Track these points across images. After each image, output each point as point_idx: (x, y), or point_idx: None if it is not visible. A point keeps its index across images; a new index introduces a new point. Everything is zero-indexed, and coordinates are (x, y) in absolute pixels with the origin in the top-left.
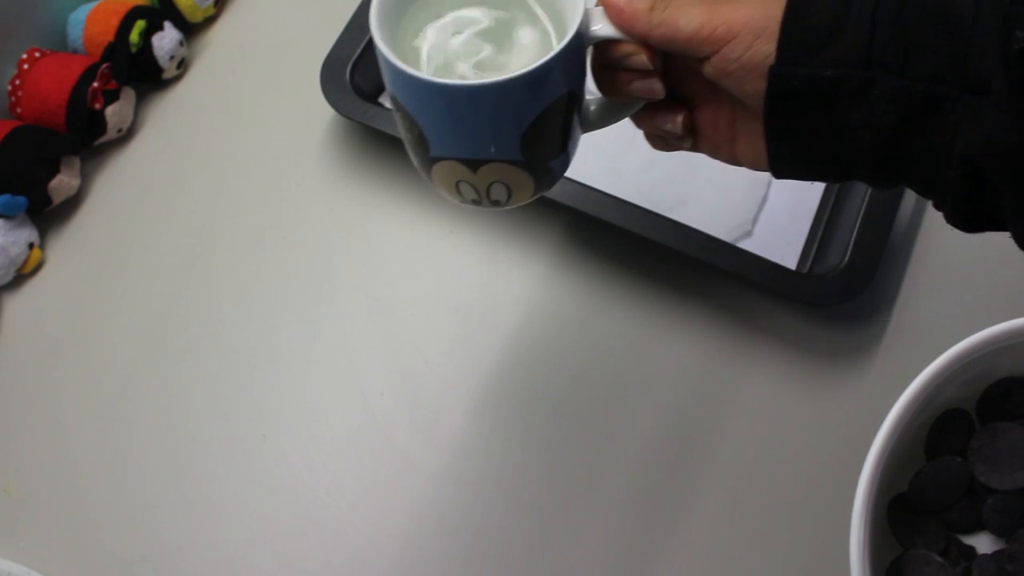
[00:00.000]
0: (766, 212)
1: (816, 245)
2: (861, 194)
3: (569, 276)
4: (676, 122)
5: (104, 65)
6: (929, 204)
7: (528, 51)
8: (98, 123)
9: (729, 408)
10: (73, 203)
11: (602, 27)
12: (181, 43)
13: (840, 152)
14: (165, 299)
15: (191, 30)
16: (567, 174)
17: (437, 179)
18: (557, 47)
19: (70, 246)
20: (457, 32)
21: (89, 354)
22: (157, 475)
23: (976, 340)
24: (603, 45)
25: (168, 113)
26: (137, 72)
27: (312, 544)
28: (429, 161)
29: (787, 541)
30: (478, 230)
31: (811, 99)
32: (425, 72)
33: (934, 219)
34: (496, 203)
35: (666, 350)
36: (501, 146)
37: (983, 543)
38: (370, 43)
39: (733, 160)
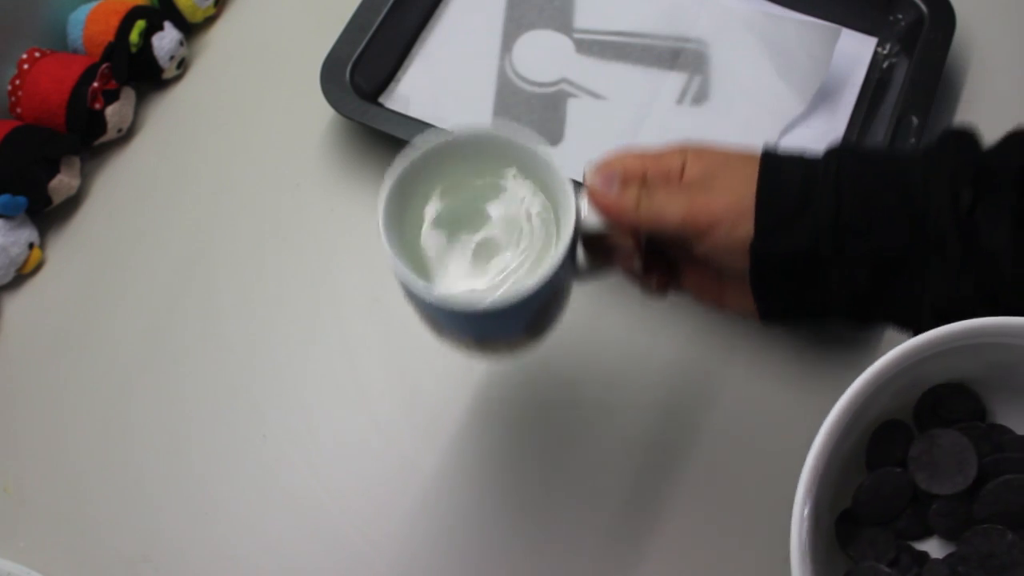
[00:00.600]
0: None
1: None
2: None
3: None
4: (652, 284)
5: (104, 65)
6: None
7: (524, 236)
8: (98, 123)
9: (727, 408)
10: (73, 203)
11: (596, 222)
12: (181, 43)
13: (822, 305)
14: (165, 299)
15: (191, 30)
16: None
17: (443, 340)
18: (556, 256)
19: (70, 246)
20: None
21: (89, 354)
22: (157, 475)
23: (900, 352)
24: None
25: (168, 113)
26: (137, 72)
27: (312, 544)
28: (438, 333)
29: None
30: None
31: (791, 267)
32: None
33: None
34: (496, 356)
35: (664, 349)
36: (506, 333)
37: (934, 548)
38: (370, 43)
39: (720, 307)
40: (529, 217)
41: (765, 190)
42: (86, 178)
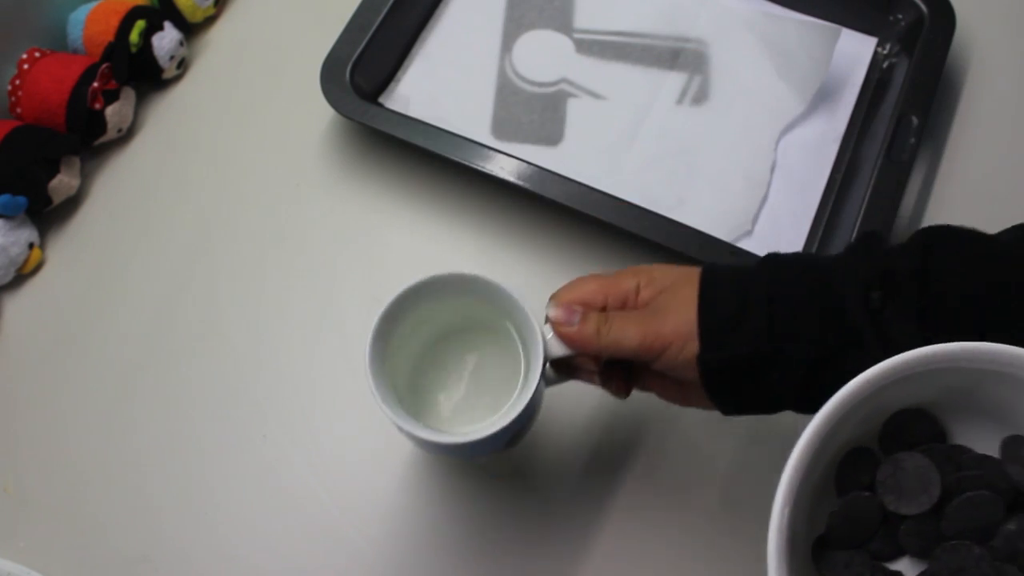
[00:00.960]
0: (766, 212)
1: (816, 245)
2: (861, 195)
3: (568, 276)
4: (612, 389)
5: (104, 65)
6: (929, 205)
7: (498, 365)
8: (98, 123)
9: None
10: (73, 203)
11: (560, 350)
12: (181, 43)
13: (771, 397)
14: (165, 299)
15: (191, 30)
16: (567, 173)
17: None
18: (530, 388)
19: (70, 246)
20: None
21: (89, 354)
22: (157, 475)
23: (862, 380)
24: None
25: (168, 113)
26: (137, 72)
27: (312, 544)
28: (426, 451)
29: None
30: (478, 230)
31: (737, 371)
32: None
33: (935, 220)
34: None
35: None
36: (489, 451)
37: (907, 567)
38: (370, 43)
39: (686, 405)
40: (502, 348)
41: (705, 309)
42: (86, 178)
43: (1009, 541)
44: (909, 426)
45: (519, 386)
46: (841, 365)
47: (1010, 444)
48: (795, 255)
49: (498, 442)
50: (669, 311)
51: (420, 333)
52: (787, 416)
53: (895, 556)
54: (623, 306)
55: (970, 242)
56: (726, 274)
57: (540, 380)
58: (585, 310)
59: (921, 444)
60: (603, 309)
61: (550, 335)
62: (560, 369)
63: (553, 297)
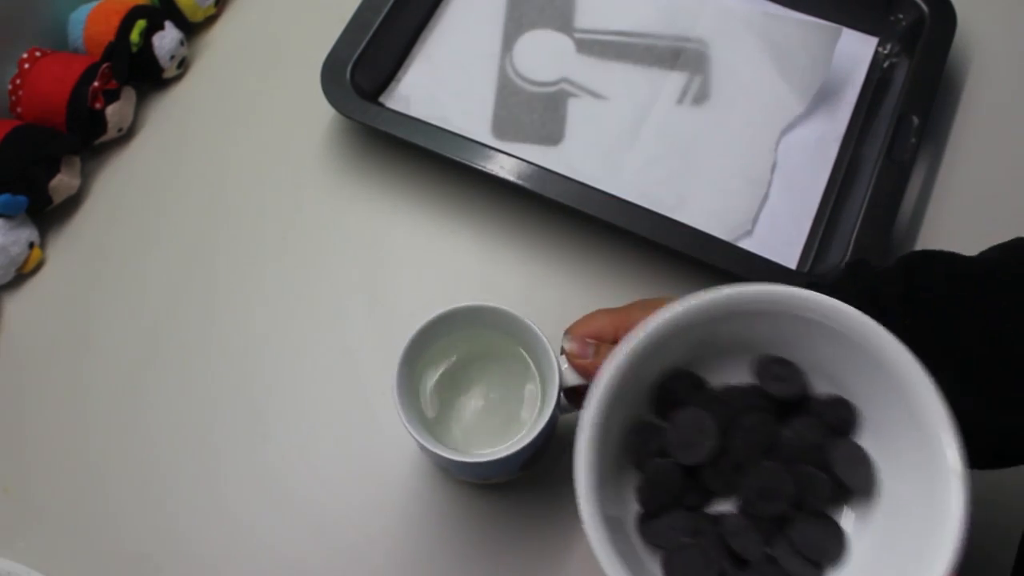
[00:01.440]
0: (766, 212)
1: (816, 245)
2: (862, 194)
3: (569, 276)
4: None
5: (104, 65)
6: (929, 205)
7: (517, 391)
8: (98, 123)
9: None
10: (73, 203)
11: (575, 379)
12: (182, 43)
13: None
14: (165, 299)
15: (192, 30)
16: (567, 173)
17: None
18: (545, 415)
19: (70, 246)
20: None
21: (89, 354)
22: (157, 475)
23: (619, 361)
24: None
25: (168, 113)
26: (137, 72)
27: (312, 544)
28: (444, 473)
29: None
30: (478, 230)
31: None
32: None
33: (935, 220)
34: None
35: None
36: (504, 473)
37: (724, 505)
38: (371, 43)
39: None
40: (516, 375)
41: None
42: (86, 178)
43: (791, 446)
44: (673, 387)
45: (536, 411)
46: None
47: (759, 366)
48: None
49: (513, 465)
50: None
51: (442, 358)
52: None
53: (708, 501)
54: None
55: (950, 264)
56: None
57: (555, 407)
58: (598, 343)
59: (689, 398)
60: (614, 341)
61: (565, 366)
62: (572, 399)
63: (568, 331)
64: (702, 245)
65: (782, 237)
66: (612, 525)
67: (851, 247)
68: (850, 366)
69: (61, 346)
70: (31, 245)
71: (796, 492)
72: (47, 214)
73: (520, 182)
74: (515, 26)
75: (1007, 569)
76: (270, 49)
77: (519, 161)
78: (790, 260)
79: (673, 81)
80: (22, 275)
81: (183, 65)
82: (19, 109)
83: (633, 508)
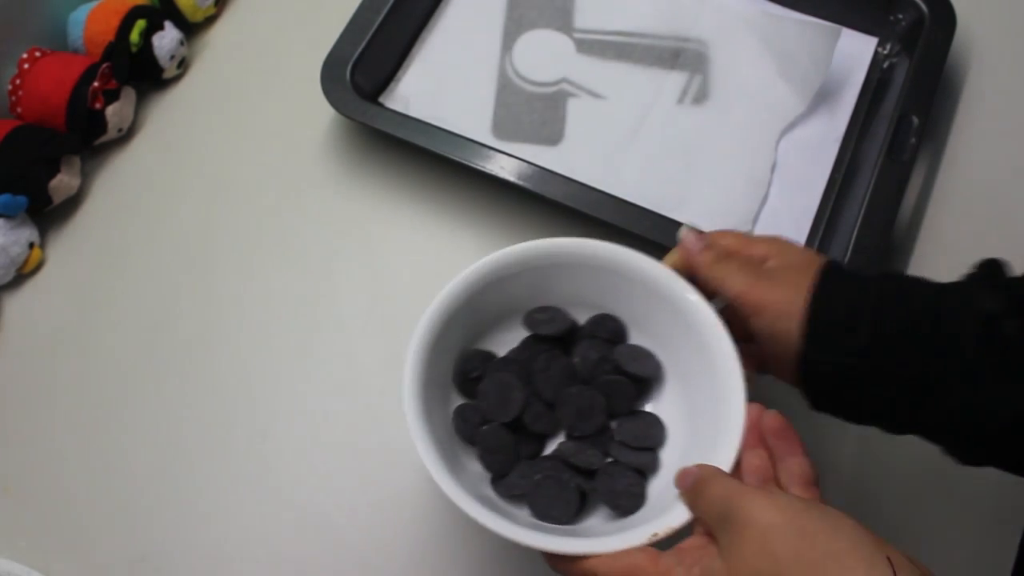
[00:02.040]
0: (766, 212)
1: (816, 245)
2: (861, 195)
3: None
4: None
5: (104, 65)
6: (929, 205)
7: None
8: (98, 123)
9: None
10: (73, 203)
11: (672, 259)
12: (181, 43)
13: (862, 409)
14: (165, 299)
15: (191, 30)
16: (567, 173)
17: None
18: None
19: (70, 246)
20: None
21: (89, 354)
22: (157, 475)
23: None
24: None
25: (168, 113)
26: (137, 72)
27: (312, 544)
28: None
29: None
30: (478, 230)
31: (836, 379)
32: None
33: (935, 220)
34: None
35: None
36: None
37: (554, 442)
38: (371, 43)
39: (761, 372)
40: None
41: (817, 304)
42: (86, 178)
43: (584, 368)
44: (468, 367)
45: None
46: (945, 398)
47: (527, 319)
48: (916, 279)
49: None
50: (781, 283)
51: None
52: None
53: (543, 445)
54: (745, 263)
55: None
56: (845, 279)
57: None
58: (712, 243)
59: (485, 369)
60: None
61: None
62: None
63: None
64: None
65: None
66: (470, 488)
67: (851, 247)
68: (657, 314)
69: (61, 346)
70: (31, 245)
71: (605, 400)
72: (47, 214)
73: (520, 182)
74: (515, 26)
75: (1007, 570)
76: (270, 49)
77: (519, 161)
78: None
79: (673, 81)
80: (22, 275)
81: (183, 65)
82: (19, 109)
83: (487, 478)
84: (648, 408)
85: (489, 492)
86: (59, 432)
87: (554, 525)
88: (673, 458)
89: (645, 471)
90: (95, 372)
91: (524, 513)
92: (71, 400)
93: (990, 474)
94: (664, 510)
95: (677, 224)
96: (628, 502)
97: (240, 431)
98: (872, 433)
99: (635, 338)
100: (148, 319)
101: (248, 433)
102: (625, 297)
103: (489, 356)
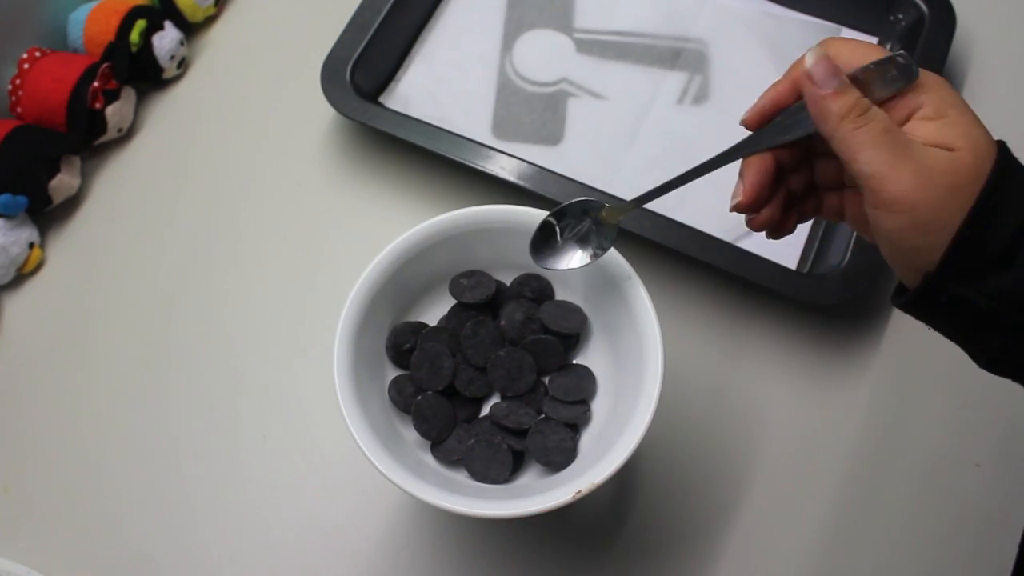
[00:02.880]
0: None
1: (816, 245)
2: None
3: None
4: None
5: (104, 65)
6: None
7: None
8: (98, 123)
9: (727, 408)
10: (73, 203)
11: (791, 97)
12: (181, 43)
13: (978, 345)
14: (165, 299)
15: (191, 30)
16: (567, 173)
17: None
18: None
19: (70, 246)
20: None
21: (89, 354)
22: (157, 474)
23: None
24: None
25: (168, 113)
26: (137, 72)
27: (312, 543)
28: None
29: (786, 539)
30: None
31: (956, 313)
32: None
33: None
34: None
35: (665, 349)
36: None
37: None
38: (371, 43)
39: (863, 233)
40: None
41: (972, 226)
42: (86, 178)
43: (512, 329)
44: (400, 340)
45: None
46: None
47: (452, 285)
48: None
49: None
50: (933, 172)
51: None
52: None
53: (479, 408)
54: (887, 119)
55: None
56: (1015, 200)
57: None
58: (847, 84)
59: (415, 340)
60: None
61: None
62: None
63: (827, 45)
64: (702, 245)
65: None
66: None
67: (851, 247)
68: (590, 280)
69: (61, 346)
70: (31, 245)
71: (534, 359)
72: (47, 214)
73: (520, 182)
74: (515, 26)
75: (1007, 570)
76: (270, 49)
77: (519, 161)
78: (790, 260)
79: (673, 81)
80: (22, 275)
81: (183, 65)
82: (19, 109)
83: (426, 445)
84: (578, 361)
85: (428, 459)
86: (59, 432)
87: (492, 485)
88: (604, 407)
89: (578, 424)
90: (95, 372)
91: (463, 476)
92: (71, 400)
93: (990, 474)
94: (596, 461)
95: (677, 224)
96: (560, 457)
97: (240, 431)
98: (872, 433)
99: (561, 294)
100: (148, 319)
101: (248, 433)
102: None
103: (421, 327)
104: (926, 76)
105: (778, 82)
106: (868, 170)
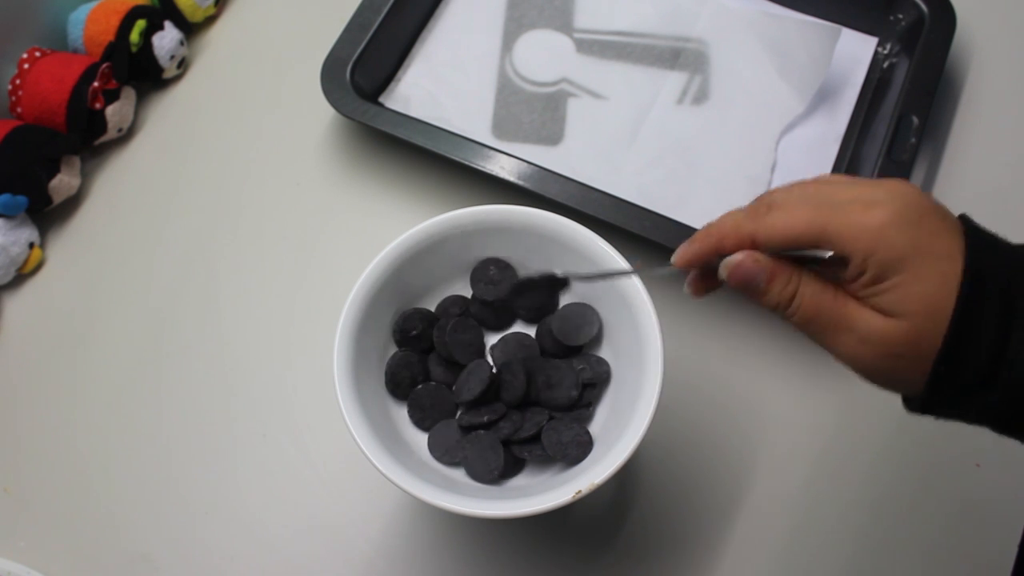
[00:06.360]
0: None
1: None
2: None
3: None
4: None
5: (104, 65)
6: None
7: None
8: (98, 123)
9: (727, 407)
10: (73, 203)
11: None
12: (181, 43)
13: (979, 418)
14: (165, 298)
15: (191, 30)
16: (567, 173)
17: None
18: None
19: (70, 246)
20: None
21: (89, 354)
22: (157, 474)
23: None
24: None
25: (168, 113)
26: (137, 72)
27: (312, 543)
28: None
29: (786, 540)
30: None
31: (951, 416)
32: None
33: None
34: None
35: (665, 349)
36: None
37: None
38: (371, 43)
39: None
40: None
41: (946, 361)
42: (86, 178)
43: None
44: (408, 326)
45: None
46: None
47: (476, 269)
48: None
49: None
50: (875, 342)
51: None
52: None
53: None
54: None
55: None
56: (997, 271)
57: None
58: (776, 272)
59: (419, 329)
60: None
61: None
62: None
63: (752, 233)
64: None
65: None
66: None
67: None
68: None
69: (61, 346)
70: (31, 245)
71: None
72: (47, 214)
73: (520, 182)
74: (515, 26)
75: (1007, 570)
76: (270, 49)
77: (519, 161)
78: None
79: (673, 81)
80: (22, 275)
81: (183, 65)
82: (19, 109)
83: (422, 441)
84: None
85: (428, 459)
86: (59, 432)
87: (491, 486)
88: (604, 407)
89: (581, 422)
90: (95, 372)
91: (462, 476)
92: (71, 400)
93: (990, 474)
94: (596, 461)
95: (677, 224)
96: (577, 451)
97: (241, 431)
98: (872, 433)
99: (566, 298)
100: (148, 319)
101: (249, 433)
102: (550, 259)
103: (429, 314)
104: (875, 221)
105: (704, 241)
106: (813, 339)
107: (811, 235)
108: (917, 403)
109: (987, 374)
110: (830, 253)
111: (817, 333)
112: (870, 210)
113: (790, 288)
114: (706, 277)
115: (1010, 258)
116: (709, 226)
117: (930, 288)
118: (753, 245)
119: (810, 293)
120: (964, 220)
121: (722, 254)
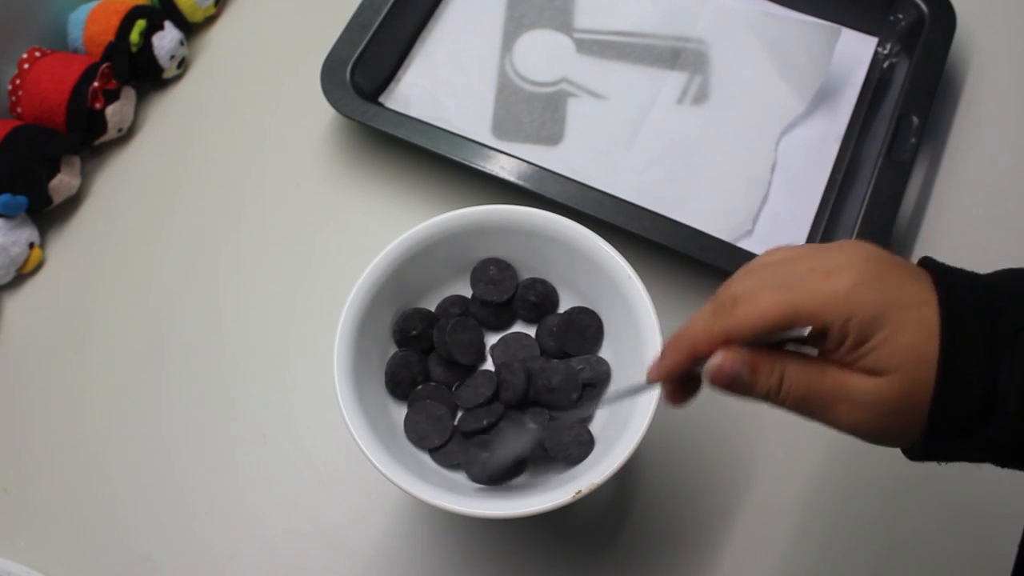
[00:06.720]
0: (766, 211)
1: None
2: (861, 194)
3: None
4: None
5: (104, 65)
6: (929, 205)
7: None
8: (98, 123)
9: (727, 407)
10: (73, 203)
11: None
12: (181, 43)
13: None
14: (165, 299)
15: (191, 30)
16: (567, 173)
17: None
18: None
19: (70, 246)
20: None
21: (89, 354)
22: (157, 474)
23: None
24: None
25: (168, 113)
26: (137, 72)
27: (312, 544)
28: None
29: (786, 540)
30: None
31: (952, 458)
32: None
33: (935, 220)
34: None
35: None
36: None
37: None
38: (371, 43)
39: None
40: None
41: (947, 385)
42: (86, 178)
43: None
44: (407, 326)
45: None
46: None
47: (476, 269)
48: None
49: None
50: (870, 404)
51: None
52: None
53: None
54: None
55: None
56: (974, 306)
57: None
58: (757, 363)
59: (420, 329)
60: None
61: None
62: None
63: (725, 324)
64: (702, 245)
65: (782, 237)
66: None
67: None
68: (591, 280)
69: (61, 346)
70: (31, 245)
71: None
72: (47, 214)
73: (520, 182)
74: (515, 26)
75: (1007, 570)
76: (270, 49)
77: (519, 161)
78: None
79: (673, 81)
80: (22, 275)
81: (183, 65)
82: (19, 109)
83: (424, 449)
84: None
85: (428, 459)
86: (59, 432)
87: (491, 486)
88: (604, 407)
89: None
90: (95, 372)
91: (462, 476)
92: (71, 400)
93: (989, 474)
94: (595, 461)
95: (677, 224)
96: (578, 450)
97: (241, 431)
98: None
99: (563, 295)
100: (148, 319)
101: (249, 433)
102: (550, 259)
103: (429, 314)
104: (817, 298)
105: (677, 352)
106: (811, 418)
107: (784, 318)
108: (919, 451)
109: (982, 410)
110: (808, 330)
111: (813, 411)
112: (834, 276)
113: (775, 375)
114: (684, 385)
115: (982, 290)
116: (677, 336)
117: (913, 337)
118: (727, 343)
119: (796, 373)
120: (928, 263)
121: (698, 360)
